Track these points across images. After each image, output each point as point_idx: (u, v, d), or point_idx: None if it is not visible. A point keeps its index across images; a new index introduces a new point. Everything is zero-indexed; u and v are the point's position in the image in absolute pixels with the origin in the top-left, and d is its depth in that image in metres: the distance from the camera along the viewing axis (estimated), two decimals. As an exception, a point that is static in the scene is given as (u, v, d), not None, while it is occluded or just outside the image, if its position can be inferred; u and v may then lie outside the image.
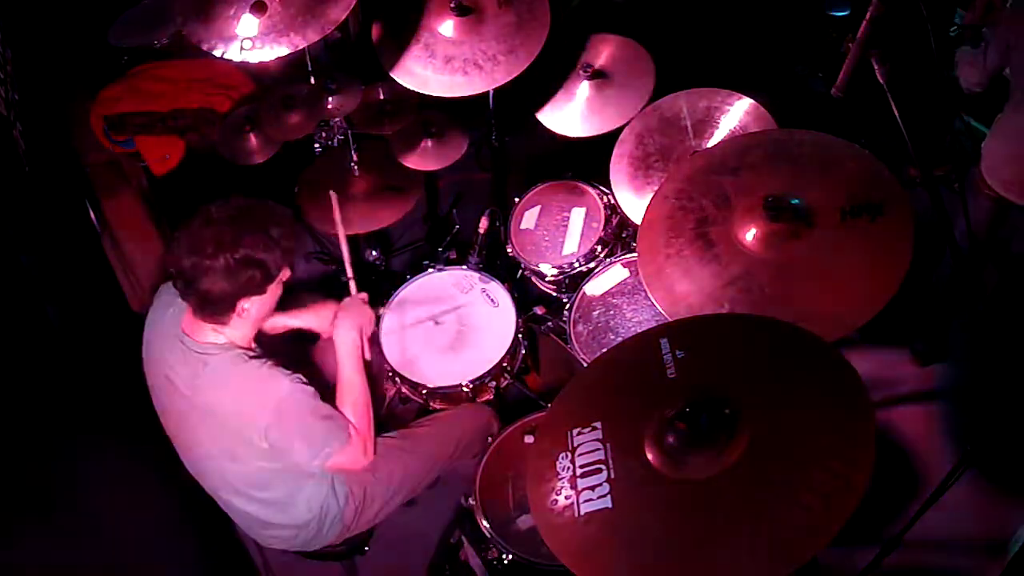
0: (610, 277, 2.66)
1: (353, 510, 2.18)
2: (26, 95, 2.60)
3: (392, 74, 2.57)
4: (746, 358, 1.57)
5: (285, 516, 2.10)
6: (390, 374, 2.56)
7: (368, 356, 2.43)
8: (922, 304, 3.04)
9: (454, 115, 2.85)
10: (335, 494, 2.13)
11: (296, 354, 2.37)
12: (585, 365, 2.43)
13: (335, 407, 2.04)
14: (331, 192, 2.44)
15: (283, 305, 2.12)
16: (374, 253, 3.22)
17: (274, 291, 1.95)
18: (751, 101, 2.49)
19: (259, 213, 1.90)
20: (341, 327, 2.15)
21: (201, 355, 1.91)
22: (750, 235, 1.87)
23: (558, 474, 1.54)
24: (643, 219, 2.06)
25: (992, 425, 2.70)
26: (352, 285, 2.34)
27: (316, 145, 3.10)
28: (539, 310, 2.77)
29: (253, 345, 2.01)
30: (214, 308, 1.89)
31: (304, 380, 1.94)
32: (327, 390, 2.05)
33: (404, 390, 2.57)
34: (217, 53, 2.33)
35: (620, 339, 2.50)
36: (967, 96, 3.30)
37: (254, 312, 1.94)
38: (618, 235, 2.74)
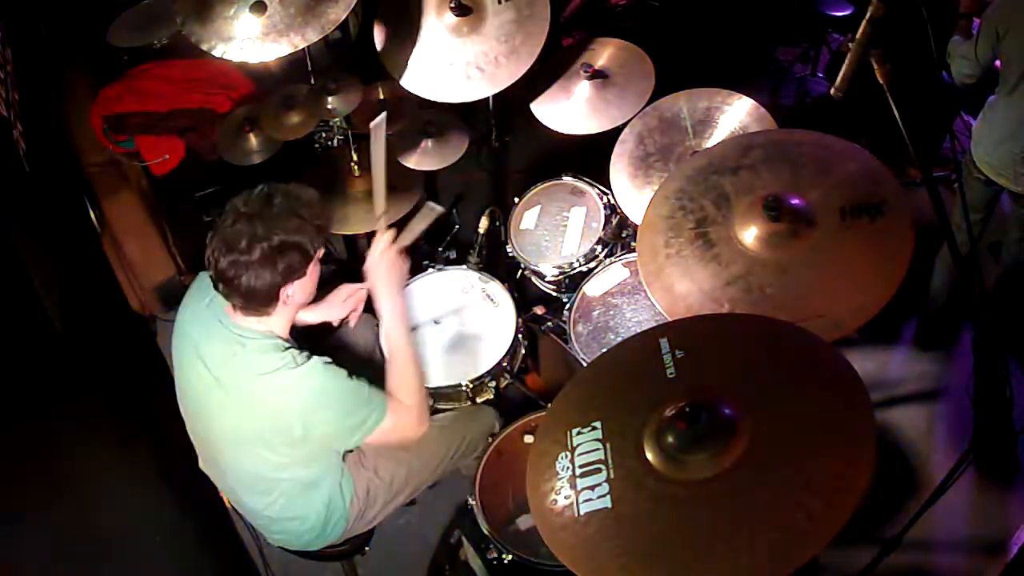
0: (610, 277, 2.66)
1: (357, 510, 2.18)
2: (26, 95, 2.60)
3: (396, 78, 2.57)
4: (746, 358, 1.57)
5: (293, 511, 2.10)
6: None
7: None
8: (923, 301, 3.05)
9: (454, 115, 2.85)
10: (342, 493, 2.13)
11: (325, 333, 2.36)
12: (585, 365, 2.43)
13: (367, 382, 2.00)
14: (383, 115, 2.10)
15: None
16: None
17: (313, 272, 1.94)
18: (751, 101, 2.49)
19: (285, 197, 1.88)
20: (381, 294, 2.09)
21: (240, 337, 1.91)
22: (750, 235, 1.87)
23: (558, 474, 1.54)
24: (643, 219, 2.06)
25: (992, 425, 2.71)
26: (383, 223, 2.17)
27: (316, 145, 3.10)
28: (539, 310, 2.77)
29: (291, 339, 2.01)
30: (259, 302, 1.88)
31: (335, 363, 1.94)
32: (355, 365, 2.02)
33: (404, 390, 2.57)
34: (217, 53, 2.33)
35: (620, 339, 2.50)
36: (967, 96, 3.30)
37: (297, 297, 1.93)
38: (618, 235, 2.74)
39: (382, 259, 2.12)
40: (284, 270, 1.86)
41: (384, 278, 2.11)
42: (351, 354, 2.45)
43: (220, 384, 1.93)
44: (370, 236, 3.04)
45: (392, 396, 2.04)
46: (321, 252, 1.95)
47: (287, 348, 1.93)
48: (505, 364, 2.52)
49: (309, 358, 1.92)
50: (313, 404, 1.91)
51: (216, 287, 1.88)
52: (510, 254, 2.81)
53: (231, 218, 1.84)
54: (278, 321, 1.96)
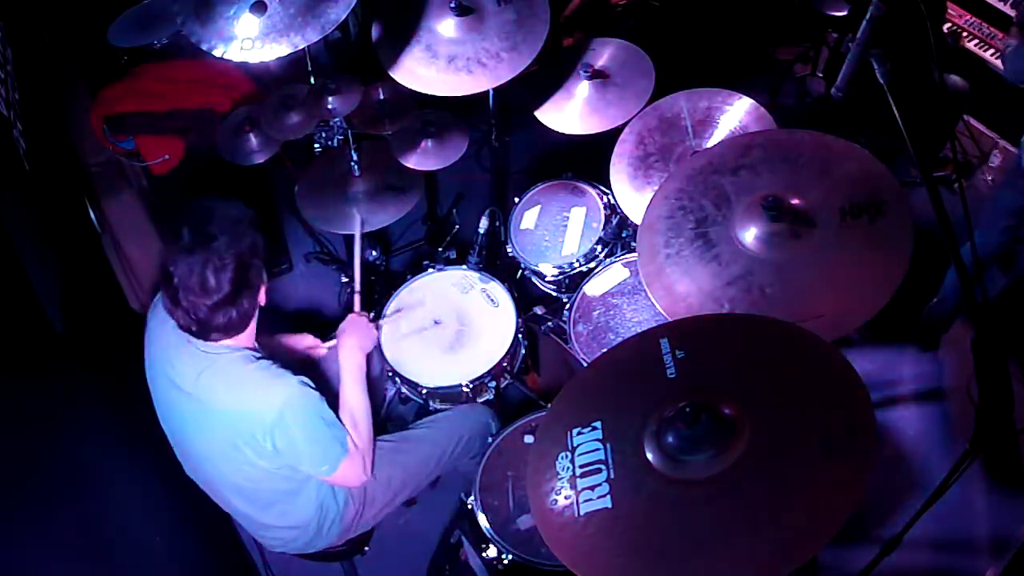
0: (610, 277, 2.66)
1: (353, 511, 2.18)
2: (26, 95, 2.60)
3: (395, 76, 2.57)
4: (746, 358, 1.57)
5: (285, 518, 2.10)
6: (390, 374, 2.56)
7: (376, 372, 2.44)
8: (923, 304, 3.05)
9: (454, 115, 2.85)
10: (334, 495, 2.13)
11: (301, 361, 2.37)
12: (585, 365, 2.43)
13: (338, 415, 2.04)
14: (357, 215, 2.64)
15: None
16: (374, 253, 3.22)
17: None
18: (751, 101, 2.49)
19: (204, 226, 1.82)
20: (346, 348, 2.18)
21: (210, 355, 1.91)
22: (750, 235, 1.87)
23: (558, 474, 1.54)
24: (643, 219, 2.06)
25: (992, 425, 2.70)
26: (357, 300, 2.36)
27: (316, 145, 3.10)
28: (539, 310, 2.77)
29: (257, 345, 2.01)
30: (242, 324, 1.89)
31: (310, 383, 1.94)
32: (331, 398, 2.05)
33: (404, 390, 2.58)
34: (217, 53, 2.33)
35: (620, 339, 2.50)
36: (967, 96, 3.30)
37: (262, 301, 1.95)
38: (618, 235, 2.74)
39: (357, 322, 2.24)
40: (256, 282, 1.87)
41: (354, 338, 2.20)
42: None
43: (193, 400, 1.93)
44: (371, 236, 3.07)
45: (350, 435, 2.05)
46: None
47: (258, 359, 1.93)
48: (505, 364, 2.52)
49: (282, 371, 1.92)
50: (283, 420, 1.89)
51: (205, 337, 1.87)
52: (510, 254, 2.81)
53: (179, 269, 1.79)
54: (250, 328, 1.95)
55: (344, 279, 2.39)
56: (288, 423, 1.90)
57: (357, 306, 2.34)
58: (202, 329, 1.85)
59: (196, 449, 2.04)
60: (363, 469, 2.07)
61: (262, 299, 1.94)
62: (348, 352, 2.17)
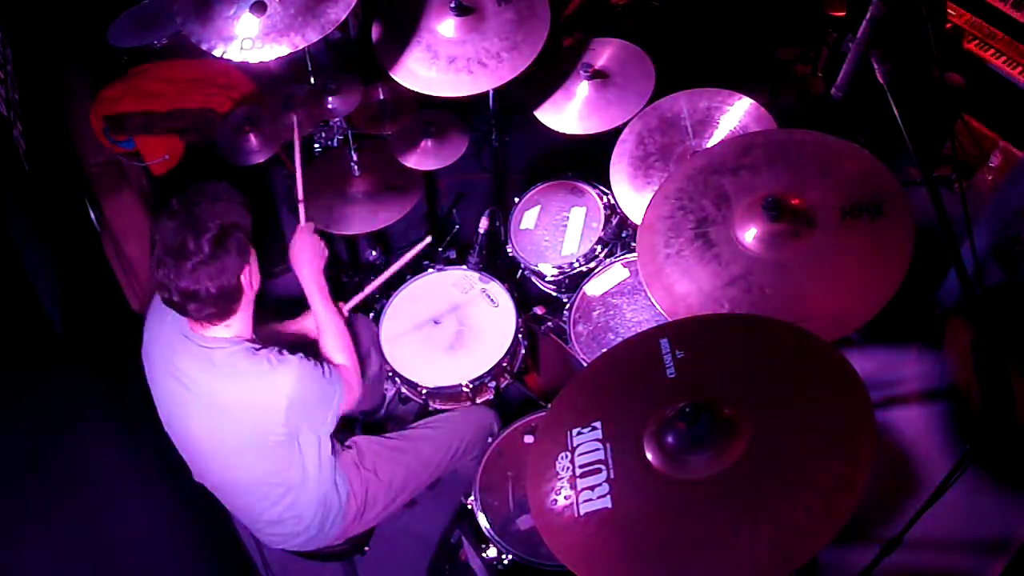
0: (610, 277, 2.66)
1: (355, 509, 2.18)
2: (26, 95, 2.60)
3: (395, 76, 2.57)
4: (746, 358, 1.57)
5: (289, 513, 2.11)
6: (390, 374, 2.56)
7: (376, 372, 2.48)
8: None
9: (454, 115, 2.85)
10: (337, 491, 2.14)
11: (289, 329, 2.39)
12: (585, 365, 2.43)
13: (321, 357, 2.08)
14: (294, 117, 2.57)
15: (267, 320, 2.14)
16: (374, 253, 3.22)
17: (254, 257, 1.96)
18: (751, 101, 2.49)
19: (199, 193, 1.89)
20: (301, 268, 2.22)
21: (209, 350, 1.91)
22: (750, 235, 1.87)
23: (558, 474, 1.54)
24: (643, 219, 2.06)
25: (992, 425, 2.70)
26: (301, 210, 2.35)
27: (316, 145, 3.09)
28: (539, 310, 2.77)
29: (255, 337, 2.02)
30: (229, 299, 1.88)
31: (307, 355, 1.97)
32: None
33: (404, 390, 2.58)
34: (217, 53, 2.33)
35: (620, 339, 2.50)
36: (963, 93, 3.29)
37: (254, 283, 1.96)
38: (618, 235, 2.74)
39: (302, 242, 2.26)
40: (237, 252, 1.87)
41: (306, 260, 2.23)
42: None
43: (198, 399, 1.94)
44: (371, 236, 3.07)
45: (338, 367, 2.12)
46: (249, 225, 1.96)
47: (259, 350, 1.94)
48: (505, 364, 2.52)
49: (282, 356, 1.93)
50: (295, 403, 1.92)
51: (184, 311, 1.87)
52: (510, 254, 2.81)
53: (162, 232, 1.83)
54: (243, 319, 1.96)
55: (295, 201, 2.41)
56: (297, 404, 1.93)
57: (303, 218, 2.35)
58: (183, 300, 1.84)
59: (203, 448, 2.04)
60: (356, 384, 2.17)
61: (251, 282, 1.93)
62: (305, 272, 2.21)
